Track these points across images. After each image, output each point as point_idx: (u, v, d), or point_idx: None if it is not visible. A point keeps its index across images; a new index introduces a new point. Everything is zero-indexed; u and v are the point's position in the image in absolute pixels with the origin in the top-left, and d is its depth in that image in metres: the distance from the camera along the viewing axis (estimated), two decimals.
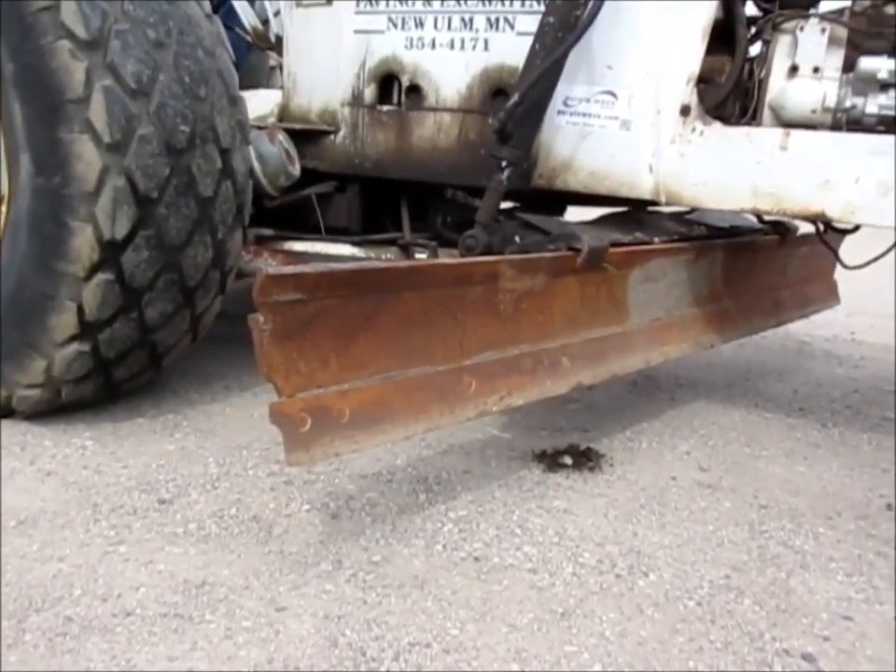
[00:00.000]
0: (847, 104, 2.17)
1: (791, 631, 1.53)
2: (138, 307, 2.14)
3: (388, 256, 2.71)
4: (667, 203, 2.34)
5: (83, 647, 1.36)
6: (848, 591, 1.68)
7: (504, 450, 2.29)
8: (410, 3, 2.50)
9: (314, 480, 2.02)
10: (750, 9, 2.39)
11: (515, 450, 2.30)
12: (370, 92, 2.63)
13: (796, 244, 3.14)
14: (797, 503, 2.09)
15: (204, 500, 1.89)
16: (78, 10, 1.94)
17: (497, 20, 2.40)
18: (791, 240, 3.05)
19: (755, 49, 2.34)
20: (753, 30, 2.38)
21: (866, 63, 2.14)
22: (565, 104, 2.35)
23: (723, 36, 2.28)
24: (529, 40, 2.17)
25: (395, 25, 2.54)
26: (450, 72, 2.50)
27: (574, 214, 3.03)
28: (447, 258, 2.25)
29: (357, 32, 2.61)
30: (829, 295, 3.64)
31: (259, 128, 2.63)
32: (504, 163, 2.13)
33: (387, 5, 2.54)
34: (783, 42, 2.25)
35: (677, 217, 2.70)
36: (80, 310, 2.05)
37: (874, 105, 2.15)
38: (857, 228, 2.55)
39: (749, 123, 2.30)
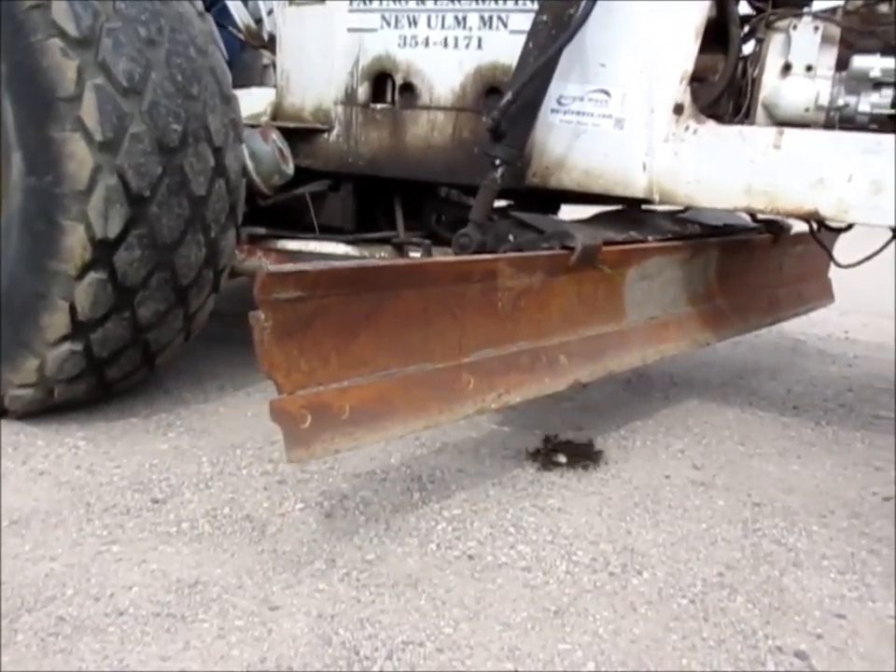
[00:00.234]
0: (840, 102, 2.18)
1: (784, 629, 1.53)
2: (131, 306, 2.13)
3: (382, 254, 2.71)
4: (661, 202, 2.34)
5: (75, 647, 1.36)
6: (841, 589, 1.69)
7: (498, 448, 2.29)
8: (403, 1, 2.49)
9: (307, 479, 2.01)
10: (744, 8, 2.39)
11: (509, 448, 2.30)
12: (363, 91, 2.63)
13: (791, 242, 3.15)
14: (790, 501, 2.10)
15: (198, 499, 1.88)
16: (69, 8, 1.93)
17: (491, 18, 2.40)
18: (785, 238, 3.06)
19: (748, 48, 2.35)
20: (746, 28, 2.38)
21: (859, 62, 2.14)
22: (558, 102, 2.35)
23: (717, 35, 2.28)
24: (523, 38, 2.17)
25: (388, 23, 2.53)
26: (443, 70, 2.49)
27: (568, 212, 3.03)
28: (445, 256, 2.24)
29: (350, 30, 2.60)
30: (823, 293, 3.65)
31: (253, 126, 2.63)
32: (498, 162, 2.13)
33: (381, 3, 2.53)
34: (776, 40, 2.26)
35: (671, 215, 2.70)
36: (73, 309, 2.04)
37: (866, 103, 2.15)
38: (850, 226, 2.55)
39: (742, 122, 2.30)
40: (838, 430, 2.69)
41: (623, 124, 2.29)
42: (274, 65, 2.90)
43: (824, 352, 3.84)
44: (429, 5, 2.46)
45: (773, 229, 2.96)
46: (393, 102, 2.61)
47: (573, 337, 2.13)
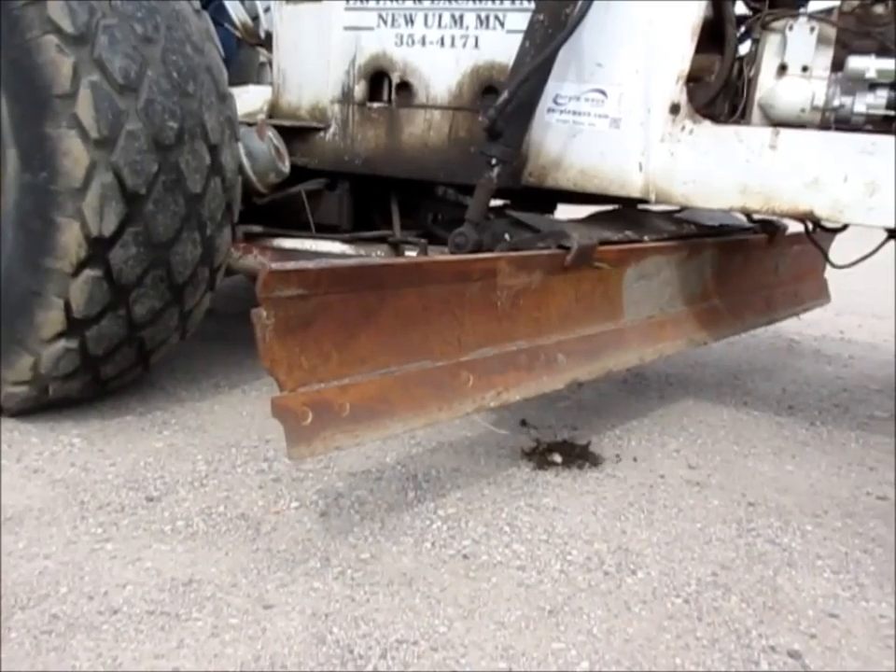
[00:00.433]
0: (836, 103, 2.18)
1: (778, 628, 1.54)
2: (126, 304, 2.13)
3: (378, 253, 2.70)
4: (657, 202, 2.34)
5: (69, 645, 1.35)
6: (835, 588, 1.69)
7: (493, 447, 2.29)
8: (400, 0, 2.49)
9: (302, 477, 2.01)
10: (740, 8, 2.40)
11: (505, 447, 2.30)
12: (360, 89, 2.63)
13: (787, 242, 3.16)
14: (785, 501, 2.10)
15: (192, 498, 1.88)
16: (65, 5, 1.93)
17: (488, 17, 2.40)
18: (782, 239, 3.06)
19: (745, 48, 2.35)
20: (743, 29, 2.39)
21: (855, 63, 2.14)
22: (555, 101, 2.35)
23: (713, 35, 2.29)
24: (519, 38, 2.17)
25: (385, 22, 2.53)
26: (440, 69, 2.49)
27: (564, 212, 3.03)
28: (444, 255, 2.25)
29: (346, 28, 2.60)
30: (819, 293, 3.66)
31: (249, 124, 2.62)
32: (494, 161, 2.13)
33: (377, 2, 2.53)
34: (772, 41, 2.26)
35: (667, 215, 2.70)
36: (67, 306, 2.04)
37: (862, 104, 2.15)
38: (845, 227, 2.56)
39: (738, 122, 2.30)
40: (833, 430, 2.70)
41: (620, 124, 2.29)
42: (271, 63, 2.89)
43: (819, 352, 3.85)
44: (426, 3, 2.46)
45: (768, 229, 2.97)
46: (390, 100, 2.61)
47: (571, 336, 2.14)
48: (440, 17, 2.46)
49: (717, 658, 1.44)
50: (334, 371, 1.59)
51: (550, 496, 2.02)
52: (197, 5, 2.30)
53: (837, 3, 2.24)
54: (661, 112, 2.24)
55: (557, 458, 2.22)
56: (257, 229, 2.76)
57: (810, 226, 2.84)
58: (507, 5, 2.37)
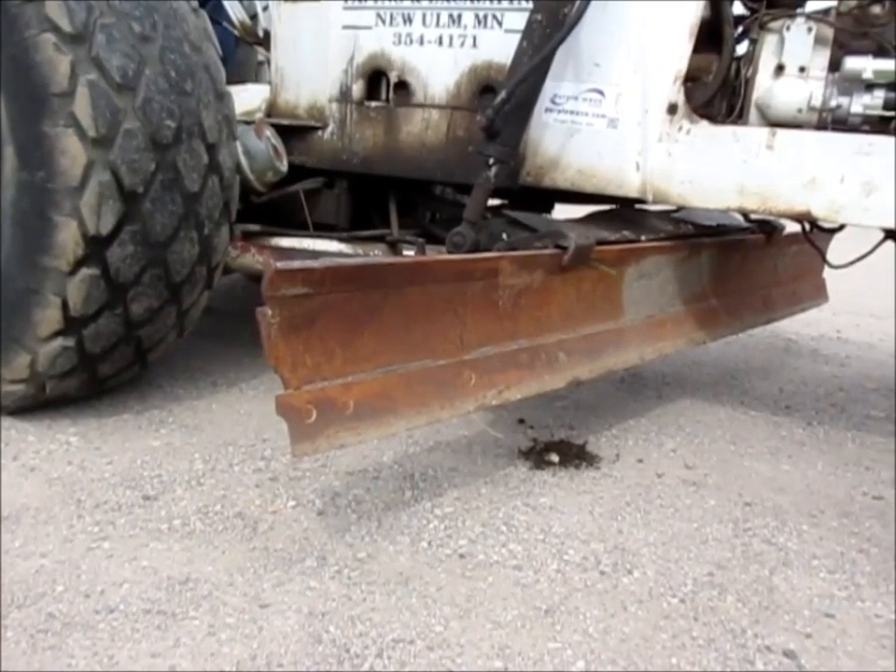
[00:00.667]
0: (833, 103, 2.18)
1: (774, 628, 1.54)
2: (123, 302, 2.13)
3: (376, 252, 2.70)
4: (654, 202, 2.34)
5: (65, 643, 1.36)
6: (831, 588, 1.70)
7: (490, 447, 2.29)
8: None
9: (300, 476, 2.01)
10: (737, 8, 2.40)
11: (502, 447, 2.30)
12: (358, 88, 2.62)
13: (785, 242, 3.16)
14: (781, 501, 2.10)
15: (189, 497, 1.88)
16: (63, 4, 1.92)
17: (486, 16, 2.40)
18: (780, 239, 3.07)
19: (742, 48, 2.35)
20: (740, 29, 2.39)
21: (852, 63, 2.15)
22: (552, 101, 2.35)
23: (710, 35, 2.29)
24: (517, 37, 2.17)
25: (383, 21, 2.53)
26: (438, 68, 2.49)
27: (562, 212, 3.03)
28: (444, 254, 2.25)
29: (344, 27, 2.60)
30: (817, 293, 3.66)
31: (247, 123, 2.62)
32: (492, 160, 2.13)
33: (375, 1, 2.53)
34: (770, 41, 2.26)
35: (664, 215, 2.70)
36: (65, 305, 2.04)
37: (859, 104, 2.16)
38: (842, 227, 2.56)
39: (735, 122, 2.30)
40: (829, 430, 2.70)
41: (617, 124, 2.29)
42: (269, 62, 2.89)
43: (816, 352, 3.86)
44: (424, 3, 2.46)
45: (765, 228, 2.97)
46: (388, 100, 2.61)
47: (572, 335, 2.15)
48: (438, 16, 2.46)
49: (713, 658, 1.44)
50: (338, 369, 1.61)
51: (547, 495, 2.02)
52: (195, 3, 2.29)
53: (835, 3, 2.24)
54: (658, 112, 2.24)
55: (554, 458, 2.22)
56: (254, 227, 2.76)
57: (807, 226, 2.85)
58: (505, 4, 2.37)
